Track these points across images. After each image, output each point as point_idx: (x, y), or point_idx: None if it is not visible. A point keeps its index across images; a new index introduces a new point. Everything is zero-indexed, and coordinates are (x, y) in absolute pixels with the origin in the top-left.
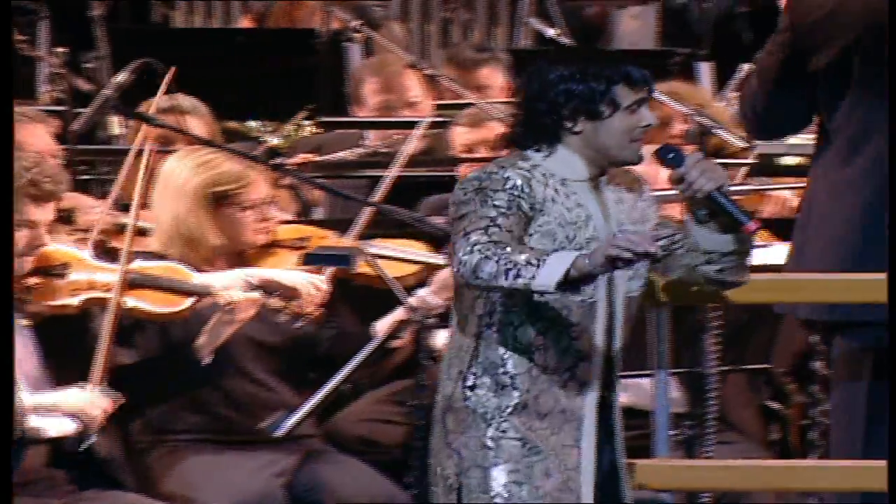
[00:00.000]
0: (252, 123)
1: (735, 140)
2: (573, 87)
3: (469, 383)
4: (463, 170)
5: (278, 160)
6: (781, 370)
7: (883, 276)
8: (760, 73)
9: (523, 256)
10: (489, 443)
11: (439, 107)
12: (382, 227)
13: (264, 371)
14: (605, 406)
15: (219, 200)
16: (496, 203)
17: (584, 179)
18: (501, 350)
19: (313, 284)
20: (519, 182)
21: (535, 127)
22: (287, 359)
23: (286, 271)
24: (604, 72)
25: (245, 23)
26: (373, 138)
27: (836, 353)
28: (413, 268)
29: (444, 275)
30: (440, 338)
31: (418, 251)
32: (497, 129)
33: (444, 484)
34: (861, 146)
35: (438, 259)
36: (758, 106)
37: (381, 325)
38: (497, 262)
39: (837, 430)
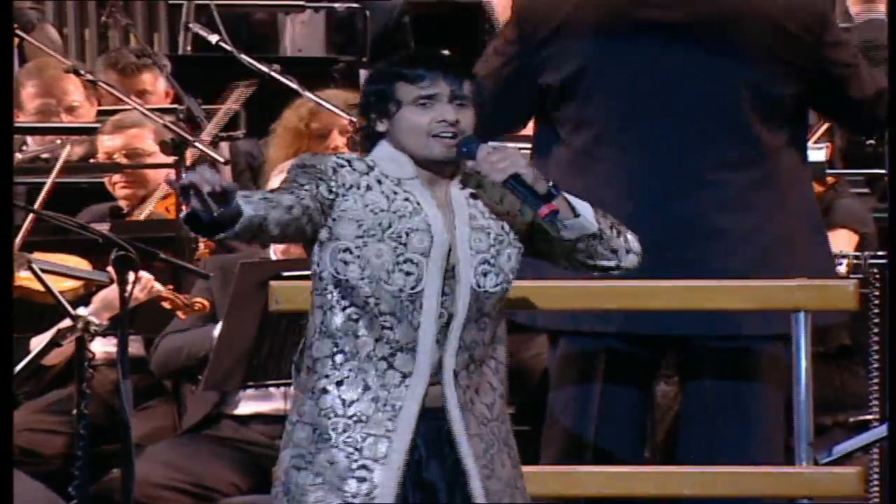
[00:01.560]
0: None
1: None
2: (368, 89)
3: (295, 363)
4: (108, 178)
5: None
6: None
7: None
8: (486, 77)
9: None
10: (288, 426)
11: (101, 112)
12: (42, 233)
13: None
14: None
15: None
16: (293, 177)
17: (412, 177)
18: (312, 333)
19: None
20: (324, 166)
21: (363, 129)
22: None
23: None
24: (385, 71)
25: None
26: (32, 144)
27: (559, 354)
28: (72, 283)
29: (106, 294)
30: (100, 346)
31: (79, 267)
32: (140, 136)
33: None
34: (596, 156)
35: (101, 276)
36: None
37: (37, 341)
38: None
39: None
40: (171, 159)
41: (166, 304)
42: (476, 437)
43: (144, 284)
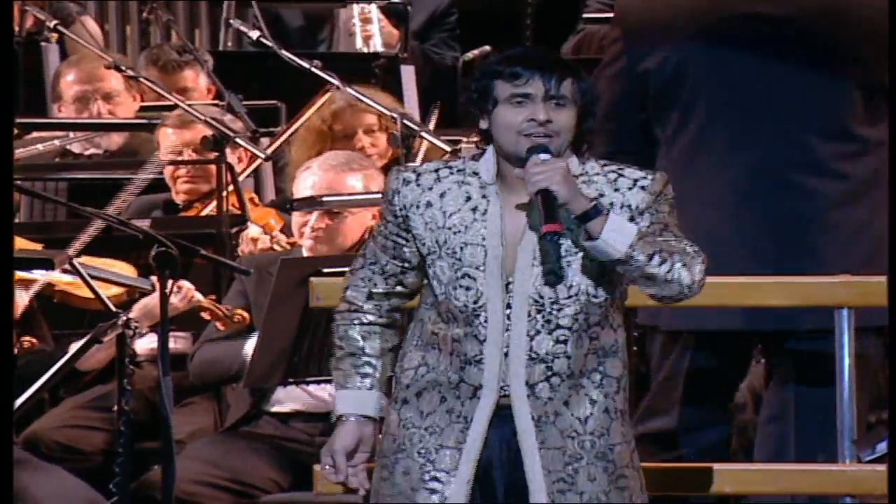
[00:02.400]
0: None
1: (440, 143)
2: (471, 86)
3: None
4: (168, 171)
5: None
6: None
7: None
8: (602, 81)
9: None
10: (379, 437)
11: (143, 108)
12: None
13: None
14: (509, 416)
15: None
16: (383, 214)
17: (492, 182)
18: (406, 344)
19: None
20: (392, 187)
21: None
22: None
23: None
24: (486, 68)
25: None
26: (72, 135)
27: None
28: (116, 290)
29: (147, 302)
30: (143, 343)
31: (123, 273)
32: (204, 131)
33: None
34: (701, 154)
35: (144, 283)
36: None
37: (75, 346)
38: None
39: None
40: (212, 155)
41: (206, 315)
42: (555, 451)
43: (185, 294)
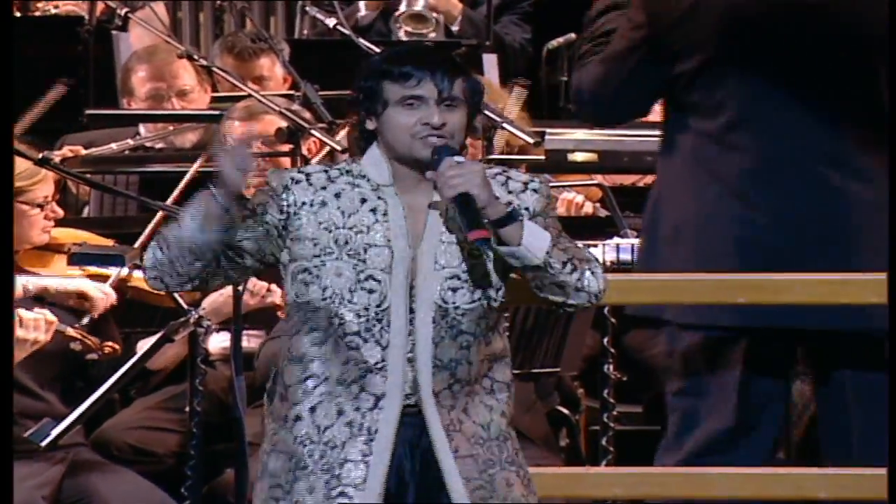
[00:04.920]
0: None
1: (523, 135)
2: (357, 85)
3: (268, 391)
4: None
5: (43, 154)
6: (571, 374)
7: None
8: (610, 62)
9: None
10: (263, 456)
11: (216, 99)
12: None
13: (30, 379)
14: (416, 424)
15: None
16: (256, 198)
17: (389, 184)
18: (282, 360)
19: (100, 289)
20: (278, 185)
21: (356, 129)
22: (54, 367)
23: (67, 278)
24: (373, 68)
25: None
26: (145, 132)
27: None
28: None
29: (216, 298)
30: (215, 341)
31: None
32: (274, 122)
33: None
34: (729, 143)
35: None
36: (604, 93)
37: (143, 345)
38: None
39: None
40: (286, 147)
41: (281, 314)
42: (469, 458)
43: (257, 291)
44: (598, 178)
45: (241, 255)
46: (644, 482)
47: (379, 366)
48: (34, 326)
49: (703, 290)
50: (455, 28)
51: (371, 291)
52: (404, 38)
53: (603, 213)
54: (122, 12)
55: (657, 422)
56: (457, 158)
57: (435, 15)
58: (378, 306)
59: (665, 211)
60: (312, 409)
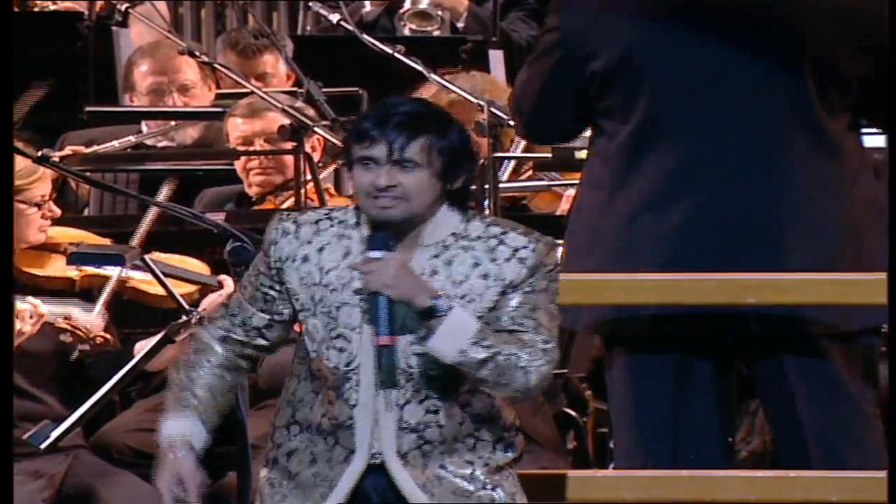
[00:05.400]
0: None
1: None
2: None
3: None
4: (240, 163)
5: (42, 152)
6: (578, 376)
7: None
8: (528, 69)
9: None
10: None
11: (219, 96)
12: (157, 223)
13: (27, 381)
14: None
15: None
16: (255, 264)
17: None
18: (281, 399)
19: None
20: (270, 238)
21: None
22: (51, 368)
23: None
24: (348, 127)
25: None
26: (147, 129)
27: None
28: (189, 288)
29: (214, 298)
30: None
31: (193, 269)
32: (277, 119)
33: None
34: (645, 147)
35: (210, 281)
36: (525, 102)
37: (141, 346)
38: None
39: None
40: (290, 145)
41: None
42: None
43: None
44: None
45: (262, 335)
46: (652, 485)
47: (347, 424)
48: (20, 317)
49: (710, 291)
50: (461, 24)
51: (341, 350)
52: (408, 35)
53: None
54: (123, 8)
55: None
56: (373, 253)
57: (439, 12)
58: (347, 365)
59: (581, 218)
60: (289, 455)
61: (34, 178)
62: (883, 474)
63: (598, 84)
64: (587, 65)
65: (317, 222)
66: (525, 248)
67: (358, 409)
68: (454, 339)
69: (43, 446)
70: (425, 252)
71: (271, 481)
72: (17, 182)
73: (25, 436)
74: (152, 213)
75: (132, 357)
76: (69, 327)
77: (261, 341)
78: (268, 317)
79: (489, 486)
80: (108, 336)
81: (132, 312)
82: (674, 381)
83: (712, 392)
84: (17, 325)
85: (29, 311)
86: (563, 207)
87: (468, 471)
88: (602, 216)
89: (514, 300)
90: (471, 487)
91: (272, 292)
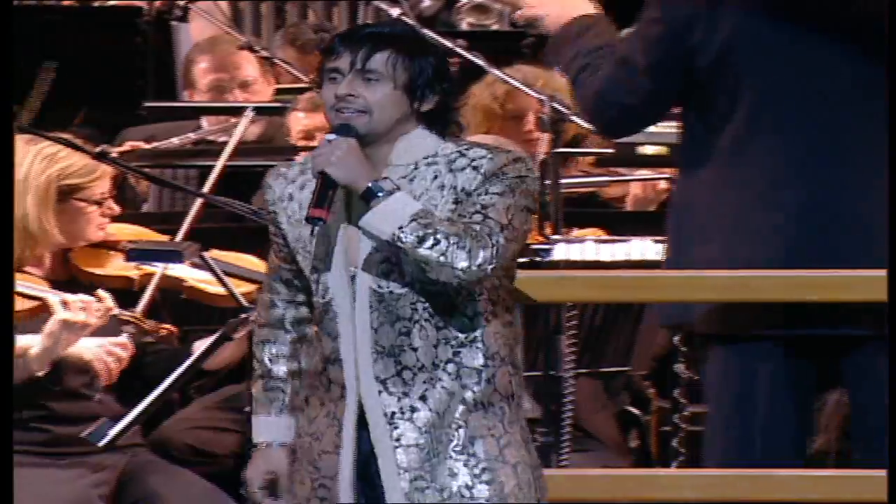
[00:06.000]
0: None
1: (591, 126)
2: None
3: None
4: (300, 159)
5: (101, 148)
6: (641, 374)
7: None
8: (624, 64)
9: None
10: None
11: (279, 91)
12: (215, 219)
13: (86, 379)
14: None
15: (66, 194)
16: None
17: None
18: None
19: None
20: (265, 182)
21: None
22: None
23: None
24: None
25: None
26: (207, 125)
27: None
28: (247, 287)
29: None
30: None
31: (252, 269)
32: None
33: None
34: (750, 143)
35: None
36: (622, 97)
37: (199, 345)
38: None
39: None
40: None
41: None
42: (413, 448)
43: None
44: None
45: (297, 287)
46: (715, 484)
47: (334, 357)
48: (83, 308)
49: (775, 288)
50: None
51: (318, 282)
52: (466, 29)
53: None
54: (183, 3)
55: None
56: (329, 136)
57: (498, 6)
58: (323, 297)
59: (689, 212)
60: (306, 401)
61: (94, 177)
62: (883, 474)
63: (704, 78)
64: (691, 59)
65: (305, 162)
66: (483, 157)
67: (340, 340)
68: (393, 216)
69: (101, 444)
70: (394, 172)
71: (299, 431)
72: (76, 180)
73: (84, 433)
74: (198, 206)
75: (190, 355)
76: (133, 319)
77: (301, 296)
78: (289, 267)
79: (453, 426)
80: (171, 328)
81: (190, 310)
82: (771, 379)
83: (800, 391)
84: (83, 316)
85: (97, 305)
86: (635, 192)
87: (444, 405)
88: (709, 211)
89: (469, 205)
90: (437, 422)
91: (278, 239)
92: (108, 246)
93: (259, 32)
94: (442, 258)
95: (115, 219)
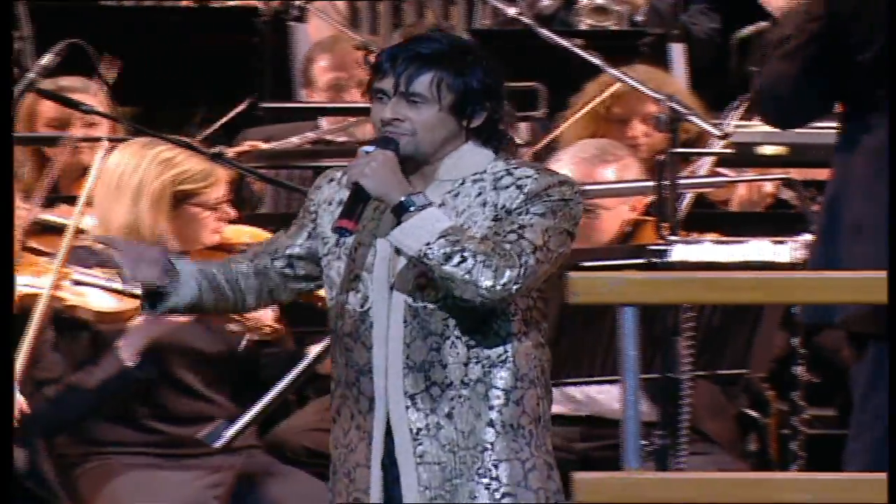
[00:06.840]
0: None
1: (709, 127)
2: None
3: None
4: None
5: (217, 149)
6: (760, 376)
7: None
8: (787, 58)
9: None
10: None
11: None
12: None
13: (201, 381)
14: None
15: (181, 200)
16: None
17: None
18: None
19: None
20: (317, 182)
21: None
22: (225, 370)
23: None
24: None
25: None
26: (326, 125)
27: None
28: None
29: None
30: None
31: None
32: None
33: None
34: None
35: None
36: (782, 90)
37: (315, 348)
38: None
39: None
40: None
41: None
42: (435, 466)
43: None
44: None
45: (292, 265)
46: (834, 488)
47: (367, 368)
48: None
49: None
50: (639, 18)
51: (357, 291)
52: (585, 30)
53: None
54: (300, 2)
55: None
56: (366, 148)
57: (617, 7)
58: (362, 307)
59: (844, 208)
60: (338, 412)
61: (209, 182)
62: (883, 474)
63: (864, 74)
64: (853, 55)
65: None
66: (528, 177)
67: (374, 351)
68: (422, 231)
69: (217, 445)
70: (441, 188)
71: (334, 443)
72: (191, 186)
73: (199, 434)
74: None
75: (306, 357)
76: (237, 317)
77: (286, 269)
78: (303, 250)
79: (478, 448)
80: (277, 326)
81: (306, 313)
82: None
83: None
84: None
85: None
86: (741, 194)
87: (470, 425)
88: (864, 208)
89: (507, 224)
90: (462, 443)
91: (308, 230)
92: (225, 249)
93: (376, 31)
94: (467, 276)
95: (232, 221)
